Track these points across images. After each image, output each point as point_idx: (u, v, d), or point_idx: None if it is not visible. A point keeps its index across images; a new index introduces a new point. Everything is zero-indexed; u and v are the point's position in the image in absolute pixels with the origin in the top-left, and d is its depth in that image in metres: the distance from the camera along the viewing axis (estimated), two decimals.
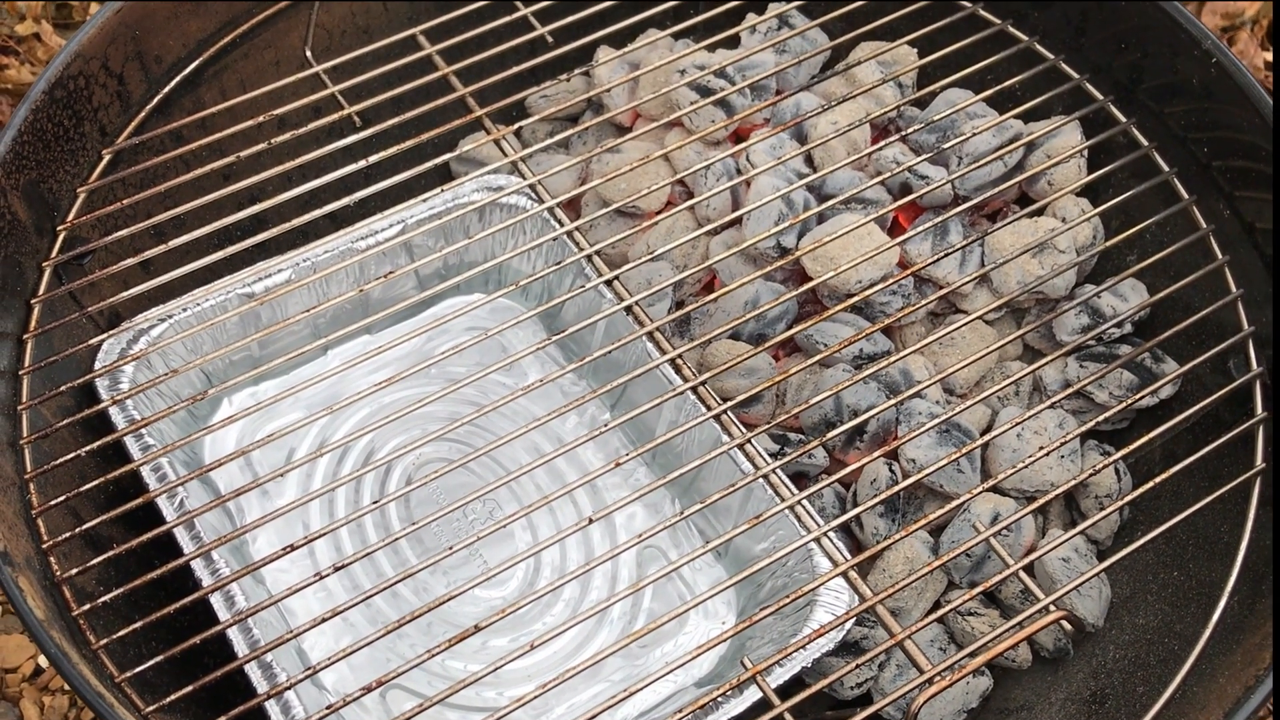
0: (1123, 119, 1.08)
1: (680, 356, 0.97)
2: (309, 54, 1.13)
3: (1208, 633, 0.82)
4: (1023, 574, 0.81)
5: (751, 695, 0.85)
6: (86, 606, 0.81)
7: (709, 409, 0.95)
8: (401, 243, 1.08)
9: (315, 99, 1.08)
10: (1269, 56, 1.74)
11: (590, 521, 0.87)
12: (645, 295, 1.01)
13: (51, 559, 0.82)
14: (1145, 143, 1.06)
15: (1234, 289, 0.98)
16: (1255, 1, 1.80)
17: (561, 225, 1.06)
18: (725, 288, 1.02)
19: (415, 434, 1.03)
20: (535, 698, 0.80)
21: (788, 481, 0.93)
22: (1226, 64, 0.98)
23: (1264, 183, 0.97)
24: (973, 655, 0.78)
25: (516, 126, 1.14)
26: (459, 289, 1.13)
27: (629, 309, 0.99)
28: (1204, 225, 1.01)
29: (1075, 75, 1.10)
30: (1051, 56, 1.11)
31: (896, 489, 0.91)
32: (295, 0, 1.13)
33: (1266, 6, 1.78)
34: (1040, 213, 1.09)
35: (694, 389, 0.96)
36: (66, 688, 1.27)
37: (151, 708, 0.77)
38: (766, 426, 0.95)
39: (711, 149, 1.13)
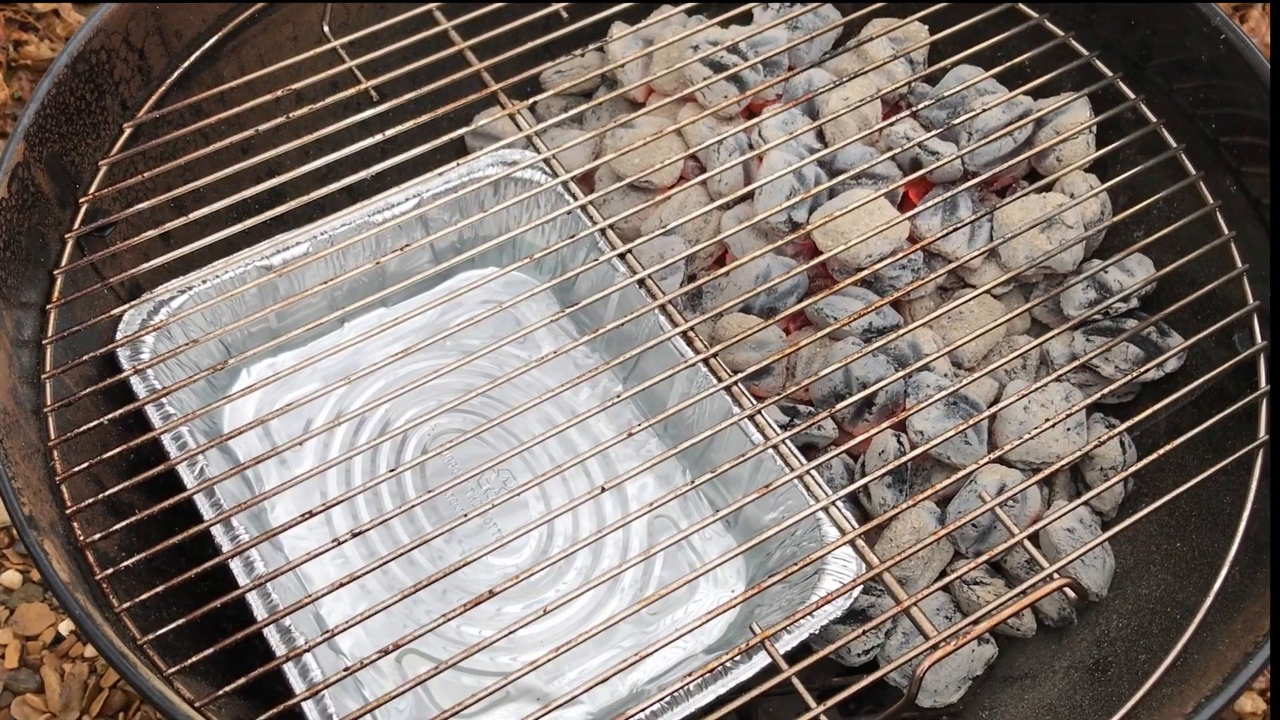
0: (1132, 95, 1.07)
1: (692, 329, 0.97)
2: (326, 29, 1.13)
3: (1209, 601, 0.82)
4: (1027, 543, 0.82)
5: (760, 661, 0.86)
6: (109, 571, 0.82)
7: (720, 381, 0.95)
8: (417, 216, 1.08)
9: (332, 74, 1.08)
10: None
11: (602, 490, 0.88)
12: (658, 269, 1.01)
13: (75, 524, 0.83)
14: (1154, 119, 1.06)
15: (1239, 264, 0.98)
16: None
17: (575, 199, 1.06)
18: (737, 262, 1.02)
19: (430, 405, 1.03)
20: (547, 661, 0.81)
21: (797, 452, 0.93)
22: (1235, 40, 0.98)
23: (1275, 159, 0.97)
24: (977, 622, 0.78)
25: (531, 101, 1.14)
26: (474, 262, 1.13)
27: (641, 282, 1.00)
28: (1211, 201, 1.01)
29: (1085, 52, 1.09)
30: (1061, 33, 1.11)
31: (904, 460, 0.91)
32: None
33: None
34: (1049, 188, 1.09)
35: (705, 361, 0.96)
36: (87, 655, 1.29)
37: (173, 669, 0.78)
38: (776, 398, 0.96)
39: (724, 124, 1.13)
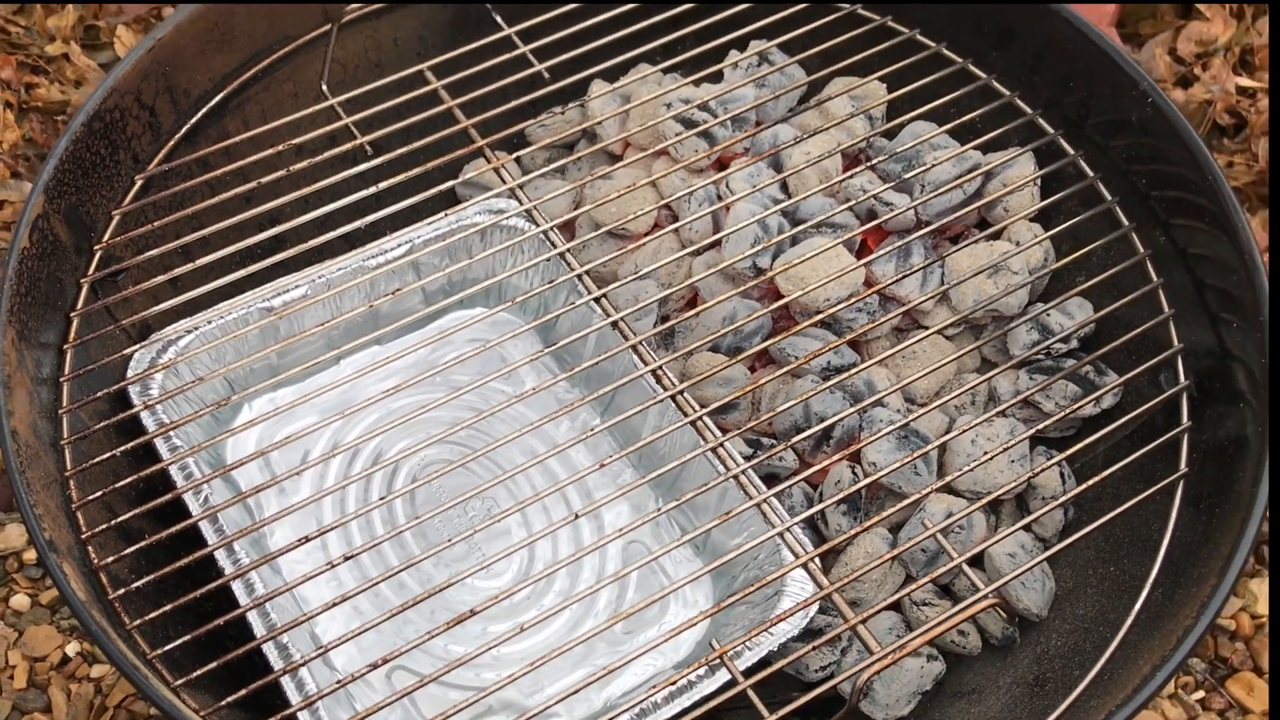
0: (1071, 151, 1.14)
1: (661, 368, 1.03)
2: (325, 88, 1.19)
3: (1129, 620, 0.88)
4: (965, 566, 0.87)
5: (723, 676, 0.91)
6: (121, 591, 0.87)
7: (686, 415, 1.01)
8: (409, 261, 1.14)
9: (331, 129, 1.14)
10: (1242, 81, 1.78)
11: (577, 517, 0.93)
12: (631, 311, 1.07)
13: (89, 548, 0.89)
14: (1091, 174, 1.12)
15: (1166, 309, 1.04)
16: (1228, 28, 1.84)
17: (556, 246, 1.12)
18: (706, 304, 1.08)
19: (420, 437, 1.09)
20: (524, 675, 0.87)
21: (758, 481, 0.99)
22: (1160, 104, 1.05)
23: (1195, 212, 1.03)
24: (917, 637, 0.84)
25: (516, 155, 1.20)
26: (462, 304, 1.19)
27: (615, 324, 1.06)
28: (1141, 250, 1.07)
29: (1029, 111, 1.16)
30: (1008, 93, 1.17)
31: (856, 488, 0.97)
32: (312, 37, 1.20)
33: (1240, 33, 1.82)
34: (997, 236, 1.15)
35: (673, 397, 1.02)
36: (93, 675, 1.33)
37: (180, 681, 0.83)
38: (740, 431, 1.02)
39: (695, 176, 1.19)
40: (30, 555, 1.39)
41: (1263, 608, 1.38)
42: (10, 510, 1.41)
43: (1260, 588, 1.40)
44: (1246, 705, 1.33)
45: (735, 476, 0.97)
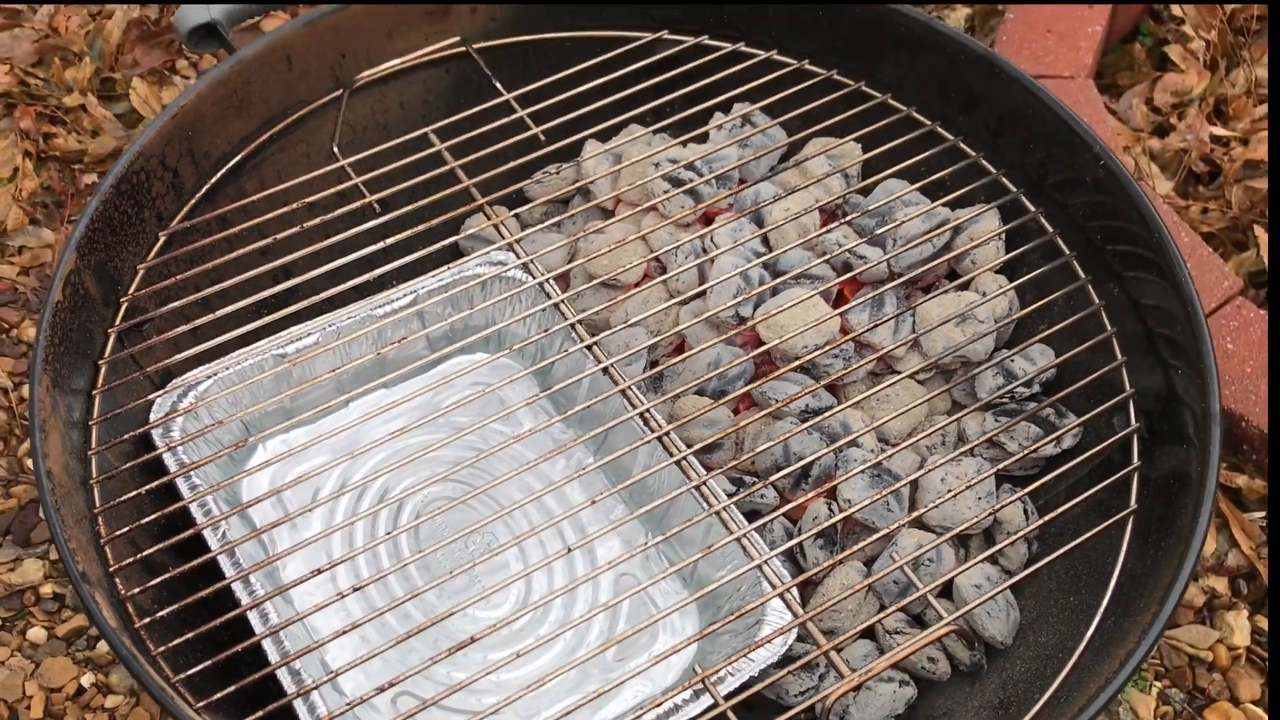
0: (1032, 209, 1.20)
1: (650, 410, 1.09)
2: (336, 149, 1.26)
3: (1081, 646, 0.93)
4: (931, 597, 0.93)
5: (706, 700, 0.97)
6: (146, 620, 0.93)
7: (672, 455, 1.07)
8: (415, 311, 1.20)
9: (341, 188, 1.21)
10: (1216, 130, 1.85)
11: (570, 550, 0.99)
12: (622, 357, 1.13)
13: (117, 580, 0.94)
14: (1050, 229, 1.19)
15: (1119, 356, 1.10)
16: (1202, 79, 1.91)
17: (552, 296, 1.18)
18: (692, 350, 1.15)
19: (424, 475, 1.14)
20: (521, 699, 0.92)
21: (740, 517, 1.05)
22: (1112, 165, 1.12)
23: (1145, 265, 1.10)
24: (884, 661, 0.90)
25: (515, 212, 1.27)
26: (464, 350, 1.24)
27: (606, 370, 1.12)
28: (1096, 301, 1.14)
29: (993, 170, 1.23)
30: (973, 154, 1.24)
31: (831, 523, 1.03)
32: (323, 103, 1.27)
33: (1214, 83, 1.88)
34: (965, 287, 1.22)
35: (660, 438, 1.08)
36: (107, 706, 1.37)
37: (201, 704, 0.88)
38: (724, 469, 1.08)
39: (682, 231, 1.26)
40: (47, 589, 1.44)
41: (1239, 639, 1.43)
42: (28, 545, 1.46)
43: (1237, 620, 1.45)
44: None
45: (718, 513, 1.02)
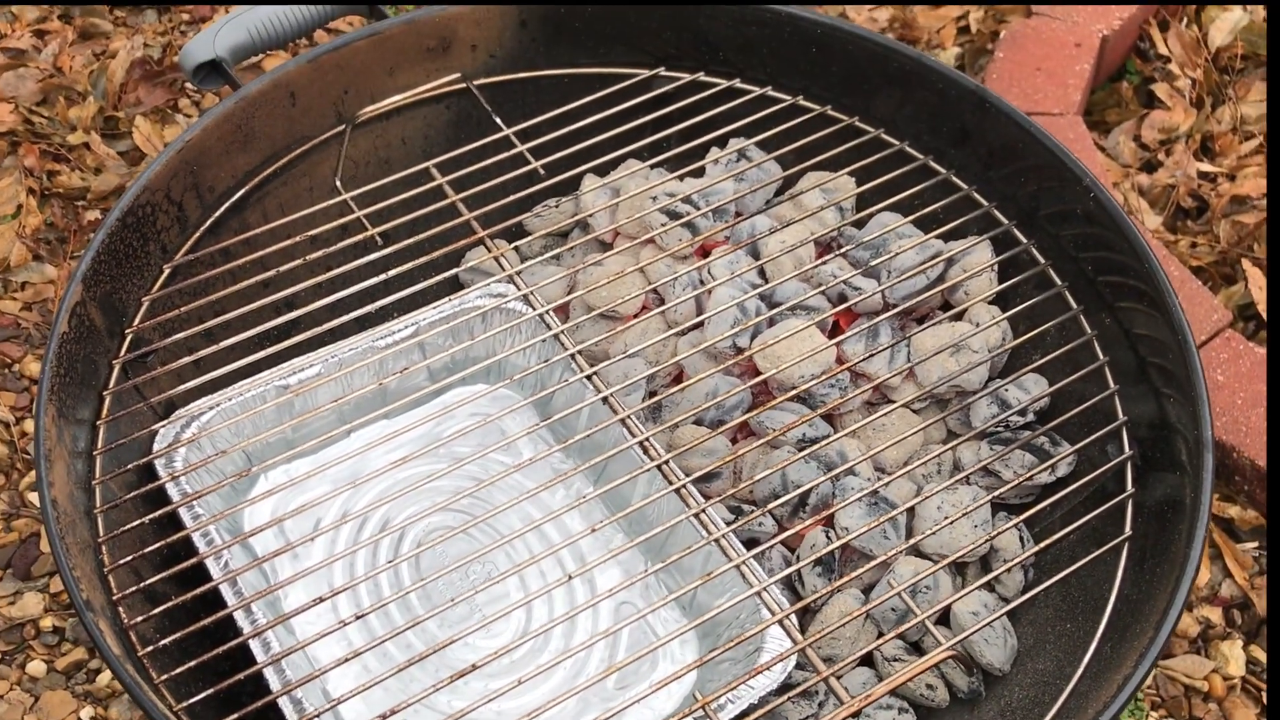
0: (1024, 240, 1.21)
1: (648, 440, 1.09)
2: (338, 183, 1.27)
3: (1079, 672, 0.93)
4: (928, 623, 0.93)
5: None
6: (149, 649, 0.92)
7: (671, 483, 1.07)
8: (416, 342, 1.20)
9: (343, 221, 1.21)
10: (1203, 166, 1.86)
11: (570, 578, 0.99)
12: (621, 387, 1.13)
13: (120, 609, 0.94)
14: (1042, 260, 1.19)
15: (1112, 384, 1.11)
16: (1189, 117, 1.93)
17: (552, 328, 1.19)
18: (690, 381, 1.15)
19: (425, 504, 1.14)
20: None
21: (738, 544, 1.05)
22: (1102, 197, 1.12)
23: (1136, 295, 1.10)
24: (884, 686, 0.89)
25: (515, 245, 1.27)
26: (465, 381, 1.24)
27: (605, 400, 1.12)
28: (1089, 331, 1.14)
29: (985, 203, 1.23)
30: (965, 187, 1.24)
31: (829, 550, 1.03)
32: (326, 138, 1.27)
33: (1201, 120, 1.90)
34: (959, 317, 1.22)
35: (659, 466, 1.08)
36: None
37: None
38: (723, 497, 1.08)
39: (680, 263, 1.26)
40: (46, 623, 1.43)
41: (1234, 669, 1.43)
42: (28, 579, 1.45)
43: (1231, 650, 1.44)
44: None
45: (717, 540, 1.02)
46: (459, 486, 1.14)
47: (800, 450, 1.13)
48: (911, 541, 1.04)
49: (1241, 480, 1.47)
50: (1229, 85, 1.95)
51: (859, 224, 1.29)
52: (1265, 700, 1.42)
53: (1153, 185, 1.83)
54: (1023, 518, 1.05)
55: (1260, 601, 1.47)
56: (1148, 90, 1.97)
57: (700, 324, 1.20)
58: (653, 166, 1.33)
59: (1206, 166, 1.85)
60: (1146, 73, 1.99)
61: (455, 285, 1.30)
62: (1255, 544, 1.51)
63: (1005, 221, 1.22)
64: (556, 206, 1.32)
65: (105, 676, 1.40)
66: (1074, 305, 1.16)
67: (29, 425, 1.57)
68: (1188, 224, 1.82)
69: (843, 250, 1.24)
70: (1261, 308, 1.66)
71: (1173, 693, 1.43)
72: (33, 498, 1.51)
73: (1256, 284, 1.67)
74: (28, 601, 1.43)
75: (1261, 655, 1.44)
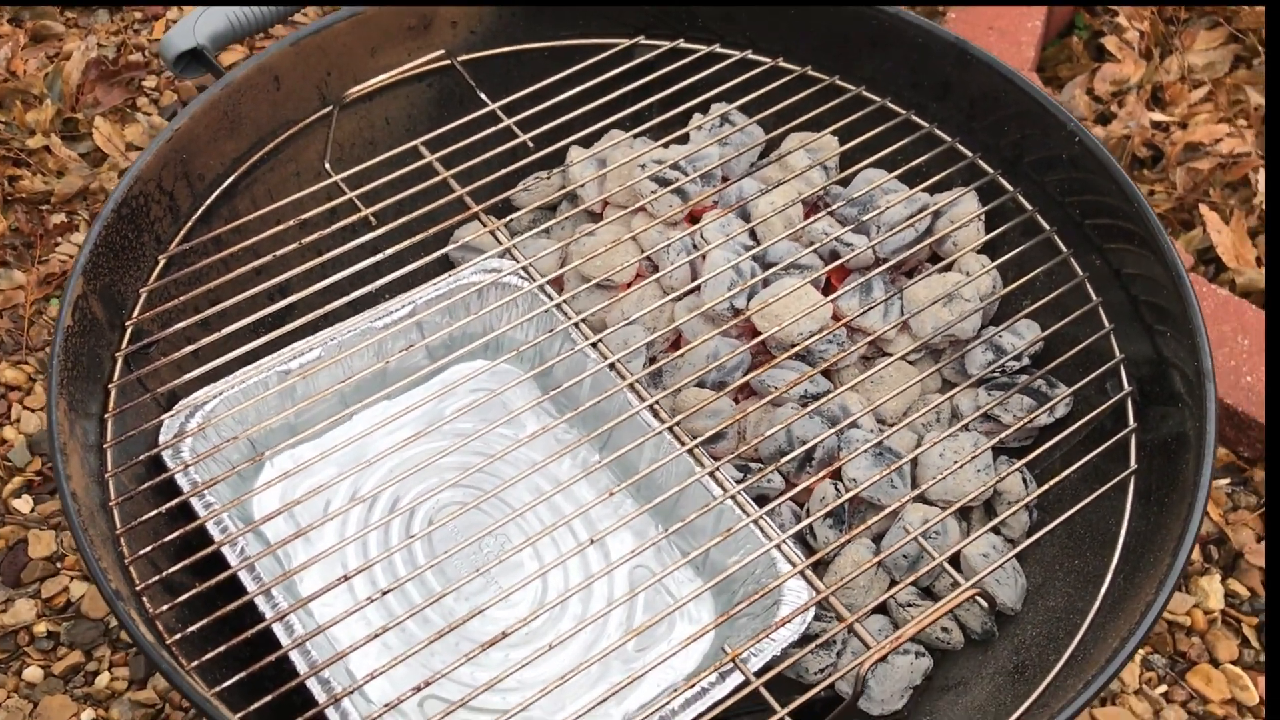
0: (1010, 188, 1.21)
1: (656, 404, 1.09)
2: (328, 165, 1.25)
3: (1096, 605, 0.94)
4: (946, 565, 0.93)
5: (733, 680, 0.96)
6: (177, 637, 0.91)
7: (681, 445, 1.07)
8: (414, 322, 1.19)
9: (333, 204, 1.19)
10: (1155, 116, 1.88)
11: (591, 542, 0.99)
12: (624, 354, 1.13)
13: (144, 599, 0.92)
14: (1030, 207, 1.20)
15: (1106, 324, 1.11)
16: (1138, 68, 1.94)
17: (550, 300, 1.18)
18: (690, 345, 1.14)
19: (433, 482, 1.13)
20: (543, 696, 0.91)
21: (750, 502, 1.05)
22: (1087, 141, 1.13)
23: (1125, 236, 1.11)
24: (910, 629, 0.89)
25: (507, 219, 1.26)
26: (465, 357, 1.24)
27: (612, 366, 1.11)
28: (1080, 273, 1.15)
29: (969, 154, 1.24)
30: (949, 139, 1.25)
31: (839, 502, 1.03)
32: (310, 121, 1.25)
33: (1150, 71, 1.92)
34: (949, 268, 1.23)
35: (669, 430, 1.08)
36: None
37: (238, 716, 0.86)
38: (730, 457, 1.08)
39: (671, 229, 1.26)
40: (40, 628, 1.41)
41: (1214, 603, 1.46)
42: (18, 586, 1.43)
43: (1210, 584, 1.47)
44: (1206, 695, 1.39)
45: (733, 497, 1.02)
46: (466, 463, 1.13)
47: (803, 406, 1.13)
48: (918, 490, 1.05)
49: None
50: (1175, 35, 1.97)
51: (844, 182, 1.29)
52: (1246, 634, 1.45)
53: (1108, 137, 1.85)
54: (1024, 461, 1.06)
55: (1235, 536, 1.50)
56: (1097, 44, 1.98)
57: (696, 288, 1.20)
58: (636, 136, 1.32)
59: (1159, 116, 1.87)
60: (1095, 26, 2.01)
61: (447, 265, 1.29)
62: (1227, 480, 1.54)
63: (990, 170, 1.22)
64: (546, 179, 1.31)
65: (104, 678, 1.38)
66: (1063, 249, 1.16)
67: (9, 432, 1.55)
68: (1144, 173, 1.84)
69: (831, 209, 1.24)
70: (1220, 251, 1.69)
71: (1157, 629, 1.45)
72: (18, 504, 1.49)
73: (1214, 228, 1.70)
74: (20, 608, 1.42)
75: (1239, 589, 1.48)
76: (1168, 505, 0.94)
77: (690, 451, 1.06)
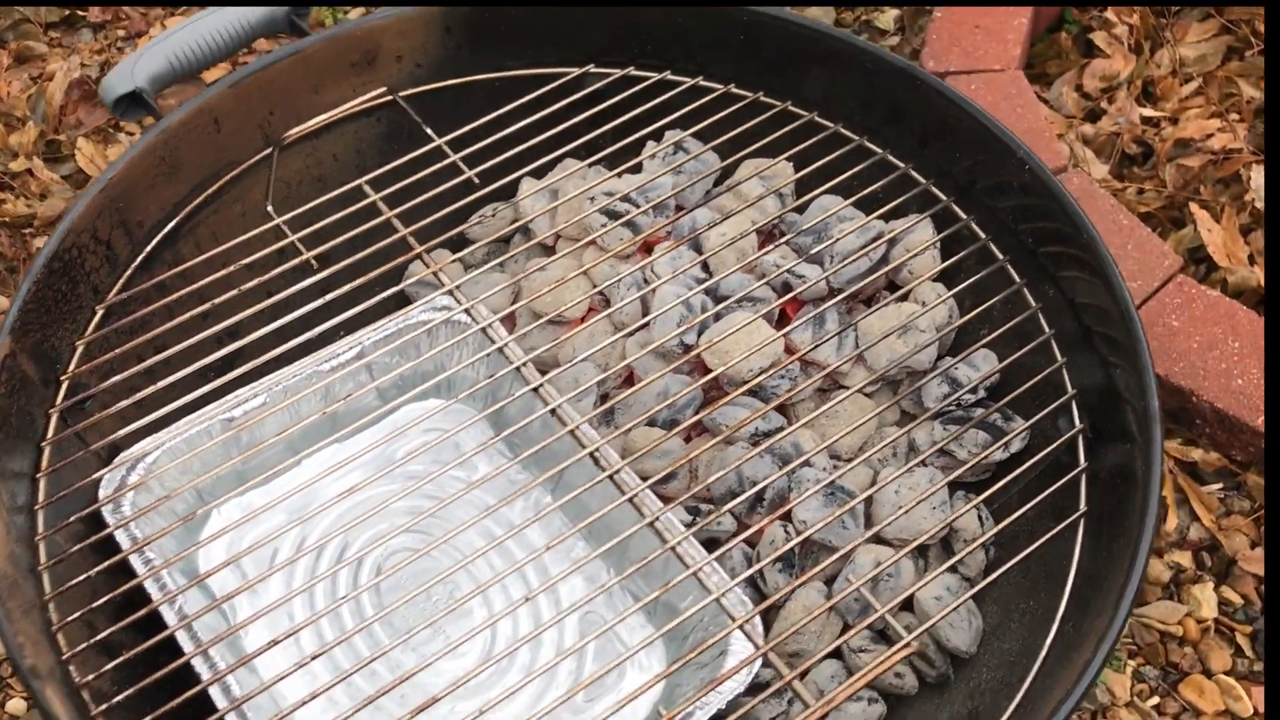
0: (963, 216, 1.19)
1: (599, 449, 1.07)
2: (270, 207, 1.23)
3: (1043, 653, 0.92)
4: (889, 616, 0.91)
5: None
6: (104, 707, 0.89)
7: (622, 493, 1.05)
8: (363, 364, 1.17)
9: (279, 245, 1.17)
10: (1146, 111, 1.85)
11: (527, 599, 0.97)
12: (570, 396, 1.11)
13: (71, 667, 0.91)
14: (983, 236, 1.17)
15: (1059, 357, 1.09)
16: (1128, 63, 1.91)
17: (496, 340, 1.16)
18: (640, 384, 1.12)
19: (383, 528, 1.11)
20: None
21: (698, 549, 1.03)
22: (1037, 169, 1.10)
23: (1079, 264, 1.09)
24: (844, 689, 0.88)
25: (455, 258, 1.25)
26: (415, 399, 1.22)
27: (553, 412, 1.09)
28: (1033, 304, 1.12)
29: (923, 181, 1.21)
30: (902, 165, 1.22)
31: (789, 546, 1.01)
32: (255, 161, 1.23)
33: (1141, 66, 1.89)
34: (905, 298, 1.20)
35: (611, 476, 1.06)
36: None
37: None
38: (682, 499, 1.06)
39: (623, 263, 1.24)
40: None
41: (1206, 612, 1.43)
42: None
43: (1203, 593, 1.44)
44: (1199, 707, 1.37)
45: (673, 548, 1.00)
46: (416, 507, 1.11)
47: (754, 445, 1.11)
48: (872, 531, 1.03)
49: (1203, 424, 1.47)
50: (1166, 28, 1.93)
51: (801, 209, 1.27)
52: (1240, 643, 1.42)
53: (1097, 134, 1.82)
54: (981, 498, 1.04)
55: (1229, 543, 1.47)
56: (1086, 39, 1.95)
57: (647, 324, 1.17)
58: (590, 165, 1.30)
59: (1149, 111, 1.84)
60: (1084, 21, 1.98)
61: (401, 301, 1.27)
62: (1219, 485, 1.51)
63: (944, 198, 1.20)
64: (493, 215, 1.29)
65: None
66: (1017, 279, 1.14)
67: None
68: (1134, 170, 1.81)
69: (786, 238, 1.22)
70: (1211, 249, 1.66)
71: (1148, 640, 1.43)
72: None
73: (1205, 226, 1.67)
74: None
75: (1233, 596, 1.45)
76: (1115, 551, 0.92)
77: (631, 500, 1.03)
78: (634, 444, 1.14)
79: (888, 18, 2.02)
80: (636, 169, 1.30)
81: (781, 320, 1.22)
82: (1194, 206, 1.70)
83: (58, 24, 2.03)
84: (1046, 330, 1.10)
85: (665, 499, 1.11)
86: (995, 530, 1.00)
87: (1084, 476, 1.00)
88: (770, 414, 1.13)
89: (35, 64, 1.95)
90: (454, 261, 1.27)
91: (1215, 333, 1.48)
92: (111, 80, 1.20)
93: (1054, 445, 1.03)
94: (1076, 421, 1.04)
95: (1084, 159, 1.78)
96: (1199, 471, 1.52)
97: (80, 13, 2.03)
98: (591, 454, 1.06)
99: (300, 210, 1.21)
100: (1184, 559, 1.48)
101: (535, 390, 1.11)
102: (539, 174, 1.30)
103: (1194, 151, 1.77)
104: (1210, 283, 1.63)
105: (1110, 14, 1.94)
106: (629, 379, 1.22)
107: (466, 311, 1.17)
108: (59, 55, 1.97)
